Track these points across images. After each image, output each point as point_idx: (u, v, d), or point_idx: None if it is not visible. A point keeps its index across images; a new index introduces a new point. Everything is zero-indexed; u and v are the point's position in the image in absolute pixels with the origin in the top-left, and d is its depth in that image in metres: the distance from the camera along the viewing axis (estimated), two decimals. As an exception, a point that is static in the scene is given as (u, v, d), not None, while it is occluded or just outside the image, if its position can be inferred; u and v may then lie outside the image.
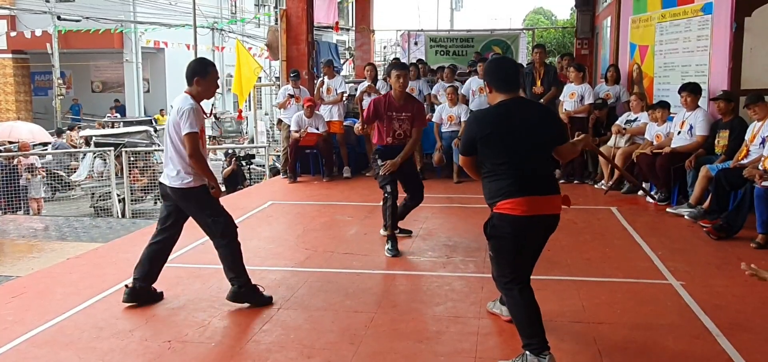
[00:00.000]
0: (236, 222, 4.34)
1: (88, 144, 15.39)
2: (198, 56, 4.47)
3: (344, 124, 9.79)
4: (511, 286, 3.33)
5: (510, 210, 3.23)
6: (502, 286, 3.42)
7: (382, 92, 9.73)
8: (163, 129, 4.92)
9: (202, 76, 4.13)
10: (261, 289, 4.30)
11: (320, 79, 10.28)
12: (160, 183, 4.27)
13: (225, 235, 4.19)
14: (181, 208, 4.24)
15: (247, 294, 4.22)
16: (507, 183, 3.25)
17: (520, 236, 3.29)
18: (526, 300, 3.30)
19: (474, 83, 9.70)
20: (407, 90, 10.41)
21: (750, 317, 4.00)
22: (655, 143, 7.47)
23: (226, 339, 3.78)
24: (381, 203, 5.54)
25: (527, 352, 3.27)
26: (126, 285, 4.25)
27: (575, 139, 3.79)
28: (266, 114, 24.13)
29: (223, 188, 10.73)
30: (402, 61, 13.22)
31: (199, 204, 4.17)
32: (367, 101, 9.58)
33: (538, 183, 3.28)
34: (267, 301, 4.27)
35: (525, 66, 10.17)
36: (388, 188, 5.44)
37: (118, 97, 25.24)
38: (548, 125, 3.40)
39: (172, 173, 4.11)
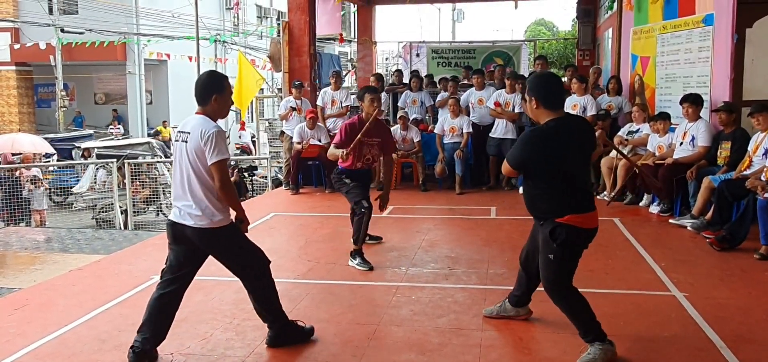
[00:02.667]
0: None
1: (88, 156, 15.42)
2: (209, 69, 3.83)
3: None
4: (571, 288, 3.57)
5: (581, 223, 3.46)
6: (562, 291, 3.58)
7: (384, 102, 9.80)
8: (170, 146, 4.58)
9: (220, 91, 3.57)
10: (301, 324, 3.95)
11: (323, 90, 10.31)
12: (173, 223, 3.59)
13: (262, 275, 3.75)
14: (200, 251, 3.66)
15: (288, 335, 3.85)
16: (571, 198, 3.47)
17: (583, 246, 3.56)
18: (580, 298, 3.56)
19: (473, 96, 9.70)
20: (410, 101, 10.54)
21: (754, 329, 3.99)
22: (657, 154, 7.47)
23: (228, 352, 3.78)
24: (355, 216, 5.47)
25: (597, 343, 3.49)
26: (131, 349, 3.57)
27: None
28: (268, 124, 24.13)
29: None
30: (401, 71, 13.28)
31: (230, 244, 3.65)
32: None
33: (590, 197, 3.58)
34: (309, 334, 3.93)
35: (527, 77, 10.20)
36: (364, 204, 5.42)
37: (121, 108, 25.30)
38: (592, 139, 3.68)
39: (196, 212, 3.50)
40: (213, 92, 3.55)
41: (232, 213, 3.69)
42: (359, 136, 5.31)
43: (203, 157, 3.46)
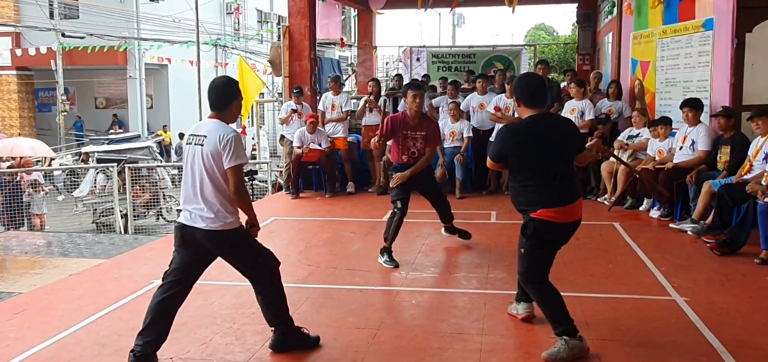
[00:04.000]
0: None
1: (87, 160, 15.42)
2: (225, 76, 3.82)
3: (348, 139, 9.82)
4: (542, 281, 3.72)
5: (551, 218, 3.58)
6: (533, 282, 3.73)
7: (382, 106, 9.81)
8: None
9: (237, 99, 3.65)
10: (306, 331, 3.89)
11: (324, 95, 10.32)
12: (182, 226, 3.59)
13: (272, 278, 3.76)
14: (207, 255, 3.67)
15: (292, 340, 3.80)
16: (545, 193, 3.60)
17: (557, 240, 3.71)
18: (554, 292, 3.68)
19: (474, 100, 9.70)
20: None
21: (755, 334, 3.98)
22: (657, 158, 7.47)
23: (228, 356, 3.77)
24: (388, 216, 5.68)
25: (565, 337, 3.56)
26: (131, 353, 3.54)
27: (589, 144, 4.21)
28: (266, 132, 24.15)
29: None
30: (402, 76, 13.29)
31: (241, 246, 3.67)
32: (368, 116, 9.70)
33: (568, 192, 3.66)
34: (314, 343, 3.87)
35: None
36: (399, 204, 5.62)
37: (122, 113, 25.33)
38: (573, 138, 3.78)
39: (208, 214, 3.51)
40: (232, 100, 3.64)
41: (243, 218, 3.70)
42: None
43: (219, 160, 3.48)
